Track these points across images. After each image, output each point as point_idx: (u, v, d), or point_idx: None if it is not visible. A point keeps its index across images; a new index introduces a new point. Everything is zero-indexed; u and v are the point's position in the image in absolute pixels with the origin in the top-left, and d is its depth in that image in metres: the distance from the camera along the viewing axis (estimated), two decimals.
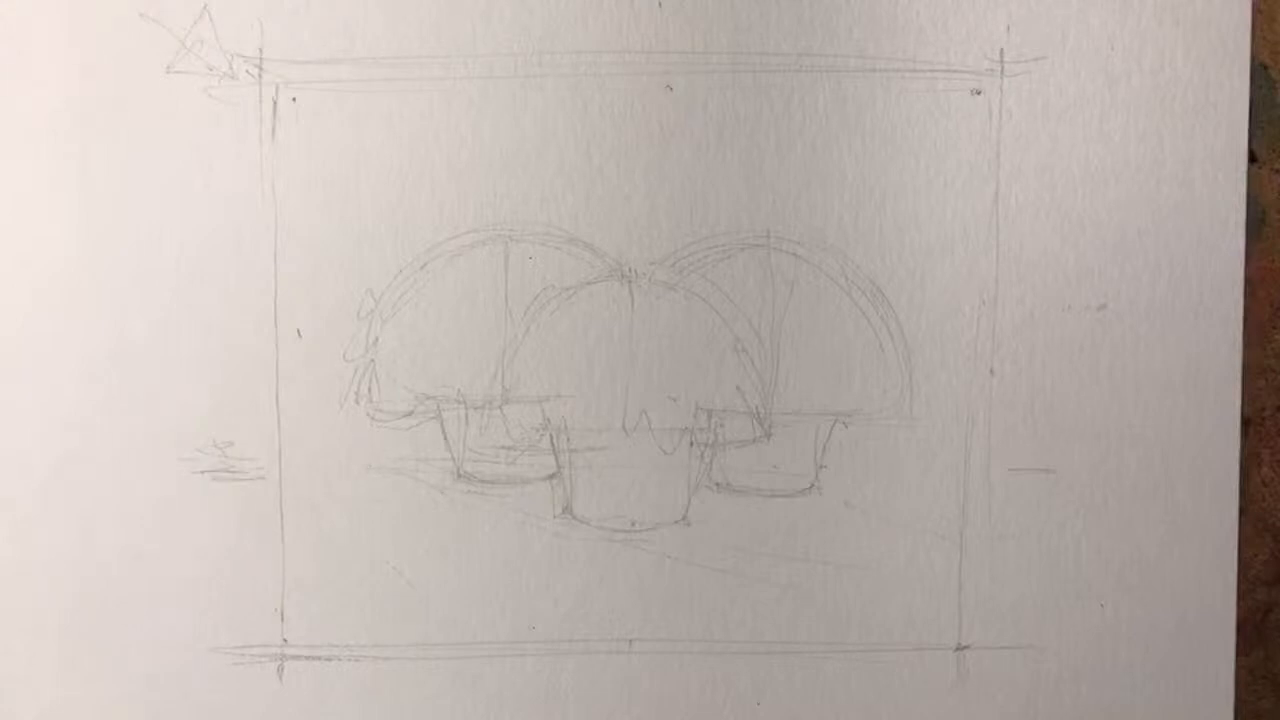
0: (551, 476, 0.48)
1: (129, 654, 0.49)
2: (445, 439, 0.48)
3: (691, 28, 0.47)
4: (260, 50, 0.47)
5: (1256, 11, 0.47)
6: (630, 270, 0.48)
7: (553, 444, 0.48)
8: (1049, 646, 0.49)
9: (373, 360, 0.48)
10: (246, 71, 0.47)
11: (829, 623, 0.49)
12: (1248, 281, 0.48)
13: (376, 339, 0.48)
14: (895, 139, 0.47)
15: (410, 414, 0.48)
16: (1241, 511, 0.48)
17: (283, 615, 0.49)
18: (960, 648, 0.49)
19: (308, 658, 0.49)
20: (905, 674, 0.49)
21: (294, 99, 0.47)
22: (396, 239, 0.48)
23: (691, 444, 0.48)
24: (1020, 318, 0.48)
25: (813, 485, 0.48)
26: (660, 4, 0.47)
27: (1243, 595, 0.49)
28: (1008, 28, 0.47)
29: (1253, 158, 0.48)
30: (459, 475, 0.48)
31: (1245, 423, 0.48)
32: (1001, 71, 0.47)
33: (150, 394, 0.48)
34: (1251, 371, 0.48)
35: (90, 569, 0.48)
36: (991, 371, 0.48)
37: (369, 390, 0.48)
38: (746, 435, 0.48)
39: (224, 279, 0.48)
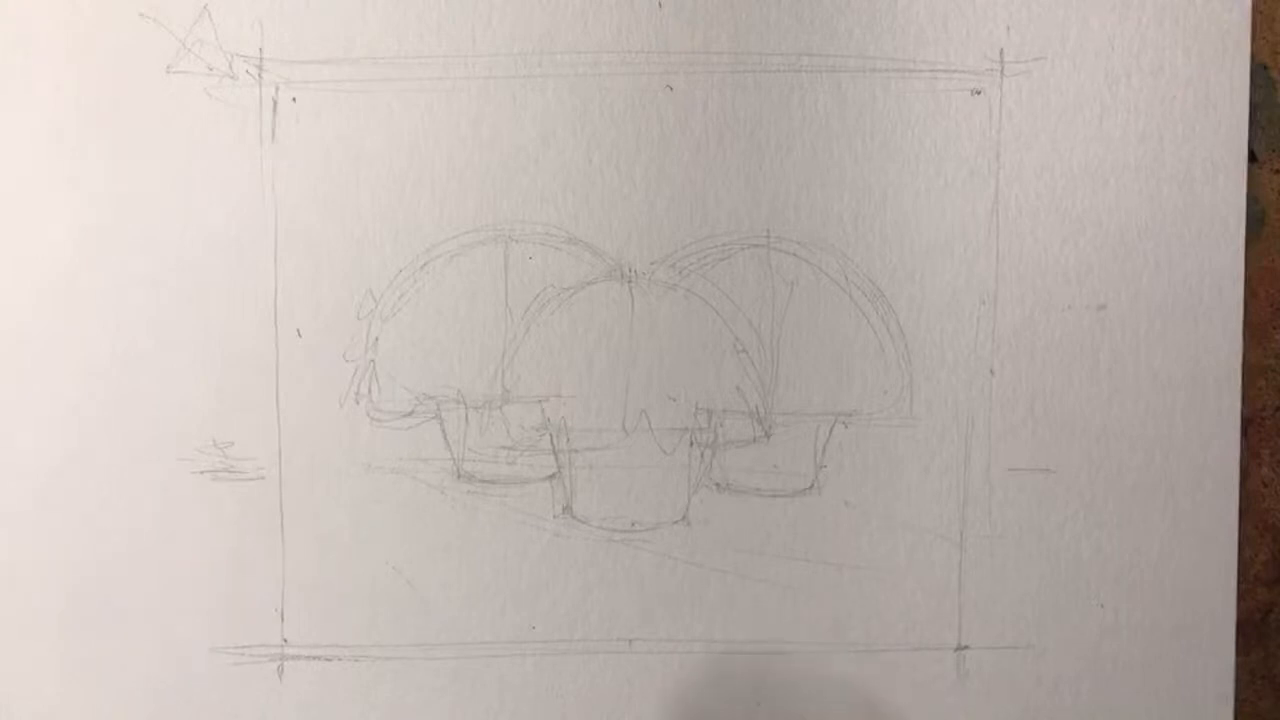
0: (551, 476, 0.48)
1: (129, 654, 0.49)
2: (445, 439, 0.48)
3: (691, 28, 0.47)
4: (260, 50, 0.47)
5: (1256, 11, 0.47)
6: (630, 270, 0.48)
7: (553, 444, 0.48)
8: (1049, 646, 0.49)
9: (373, 360, 0.48)
10: (246, 71, 0.47)
11: (829, 623, 0.49)
12: (1248, 281, 0.48)
13: (376, 339, 0.48)
14: (895, 139, 0.47)
15: (410, 414, 0.48)
16: (1241, 511, 0.48)
17: (283, 615, 0.49)
18: (960, 648, 0.49)
19: (308, 658, 0.49)
20: (905, 674, 0.49)
21: (294, 99, 0.47)
22: (396, 239, 0.48)
23: (691, 444, 0.48)
24: (1020, 318, 0.48)
25: (813, 485, 0.48)
26: (660, 4, 0.47)
27: (1243, 595, 0.49)
28: (1008, 28, 0.47)
29: (1253, 158, 0.48)
30: (459, 475, 0.48)
31: (1245, 423, 0.48)
32: (1001, 71, 0.47)
33: (150, 394, 0.48)
34: (1251, 371, 0.48)
35: (90, 569, 0.48)
36: (991, 371, 0.48)
37: (369, 390, 0.48)
38: (746, 435, 0.48)
39: (224, 279, 0.48)
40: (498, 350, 0.48)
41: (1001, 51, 0.47)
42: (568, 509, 0.48)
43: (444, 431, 0.48)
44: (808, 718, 0.49)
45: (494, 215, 0.48)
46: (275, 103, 0.47)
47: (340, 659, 0.49)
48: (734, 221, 0.48)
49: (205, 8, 0.47)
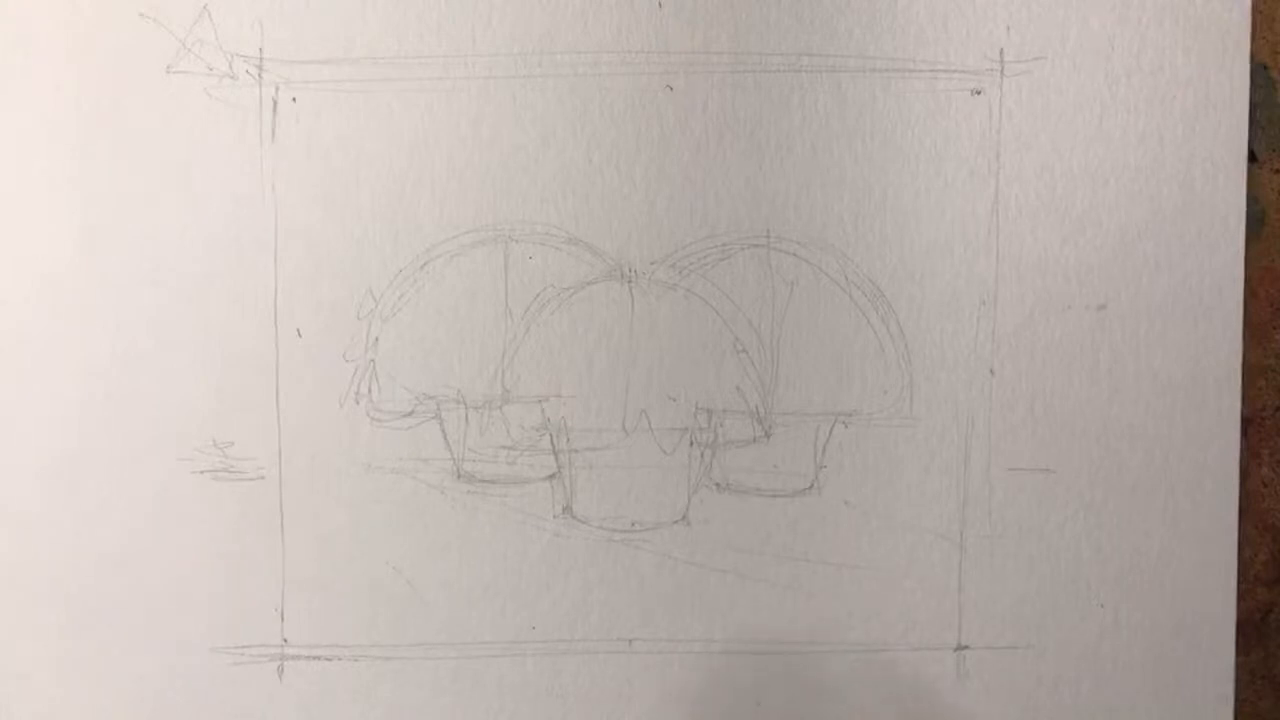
0: (551, 476, 0.48)
1: (129, 654, 0.49)
2: (445, 439, 0.48)
3: (691, 28, 0.47)
4: (260, 50, 0.47)
5: (1256, 11, 0.47)
6: (630, 270, 0.48)
7: (553, 444, 0.48)
8: (1049, 646, 0.49)
9: (373, 360, 0.48)
10: (246, 71, 0.47)
11: (829, 623, 0.49)
12: (1248, 281, 0.48)
13: (376, 339, 0.48)
14: (895, 139, 0.47)
15: (410, 414, 0.48)
16: (1241, 511, 0.48)
17: (283, 615, 0.49)
18: (960, 648, 0.49)
19: (308, 658, 0.49)
20: (905, 674, 0.49)
21: (294, 99, 0.47)
22: (396, 239, 0.48)
23: (691, 444, 0.48)
24: (1020, 318, 0.48)
25: (813, 485, 0.48)
26: (660, 4, 0.47)
27: (1243, 595, 0.49)
28: (1008, 28, 0.47)
29: (1253, 158, 0.48)
30: (459, 475, 0.48)
31: (1245, 423, 0.48)
32: (1001, 71, 0.47)
33: (150, 394, 0.48)
34: (1251, 371, 0.48)
35: (90, 569, 0.48)
36: (991, 371, 0.48)
37: (369, 390, 0.48)
38: (746, 435, 0.48)
39: (224, 279, 0.48)
40: (498, 350, 0.48)
41: (1001, 51, 0.47)
42: (568, 509, 0.48)
43: (444, 431, 0.48)
44: (808, 718, 0.49)
45: (494, 215, 0.48)
46: (275, 103, 0.47)
47: (340, 659, 0.49)
48: (734, 221, 0.48)
49: (205, 8, 0.47)
